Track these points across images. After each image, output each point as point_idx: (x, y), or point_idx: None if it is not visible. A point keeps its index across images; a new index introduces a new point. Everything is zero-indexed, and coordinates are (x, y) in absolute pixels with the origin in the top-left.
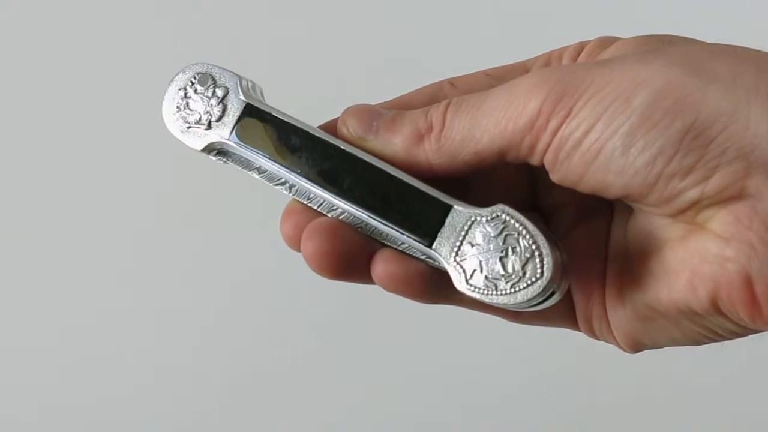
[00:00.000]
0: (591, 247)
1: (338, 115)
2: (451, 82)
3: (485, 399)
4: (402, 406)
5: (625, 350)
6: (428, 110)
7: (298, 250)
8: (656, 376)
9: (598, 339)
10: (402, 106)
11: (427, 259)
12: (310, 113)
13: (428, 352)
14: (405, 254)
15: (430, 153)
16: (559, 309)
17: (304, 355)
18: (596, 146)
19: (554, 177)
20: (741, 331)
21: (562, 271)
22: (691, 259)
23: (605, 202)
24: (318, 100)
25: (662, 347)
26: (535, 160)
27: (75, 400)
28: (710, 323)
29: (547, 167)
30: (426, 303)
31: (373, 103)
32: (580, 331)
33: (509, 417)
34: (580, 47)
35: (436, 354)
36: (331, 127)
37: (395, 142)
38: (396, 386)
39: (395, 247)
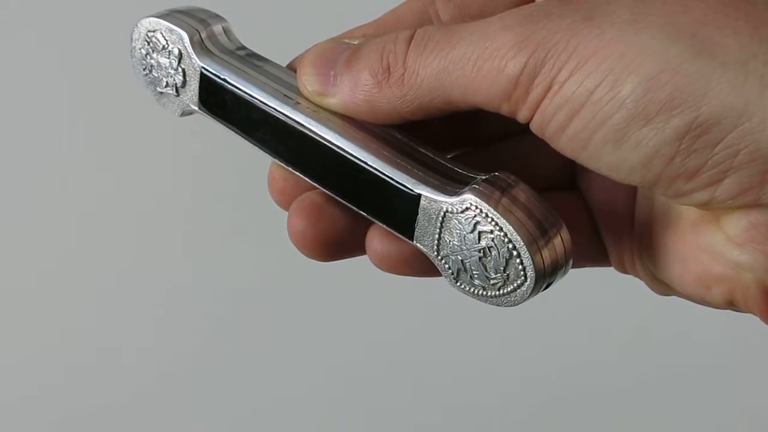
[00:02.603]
0: (621, 196)
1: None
2: None
3: (482, 398)
4: (399, 405)
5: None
6: (383, 46)
7: (286, 209)
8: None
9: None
10: (386, 29)
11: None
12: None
13: (427, 352)
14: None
15: (394, 101)
16: (589, 251)
17: (301, 353)
18: (584, 135)
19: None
20: None
21: (552, 265)
22: (702, 255)
23: None
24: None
25: None
26: (520, 122)
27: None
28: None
29: (536, 134)
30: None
31: (360, 32)
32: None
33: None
34: None
35: (434, 352)
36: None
37: (354, 94)
38: (393, 383)
39: None
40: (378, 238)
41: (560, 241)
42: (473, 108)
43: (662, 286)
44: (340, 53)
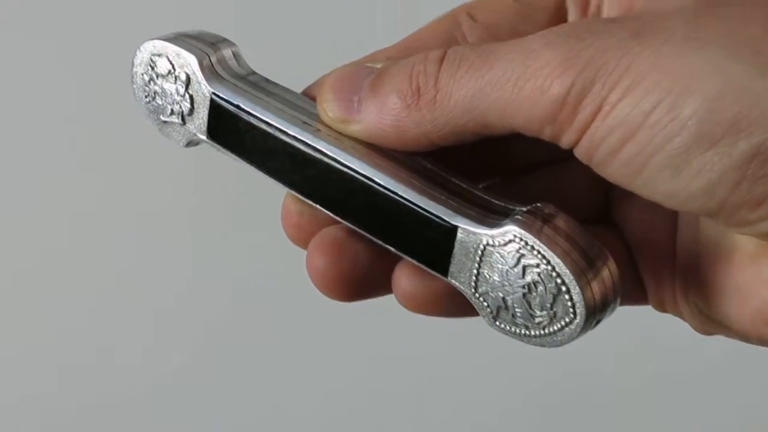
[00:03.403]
0: (661, 229)
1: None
2: (470, 13)
3: (485, 402)
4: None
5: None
6: (412, 67)
7: (305, 247)
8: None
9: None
10: (410, 52)
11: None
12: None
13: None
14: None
15: (424, 125)
16: (626, 289)
17: (303, 356)
18: (639, 160)
19: (593, 169)
20: None
21: (602, 300)
22: (763, 289)
23: None
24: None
25: None
26: (563, 147)
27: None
28: None
29: (581, 160)
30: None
31: (383, 55)
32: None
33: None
34: None
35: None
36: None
37: (381, 119)
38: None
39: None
40: (406, 275)
41: (608, 274)
42: (510, 132)
43: (710, 325)
44: (363, 77)
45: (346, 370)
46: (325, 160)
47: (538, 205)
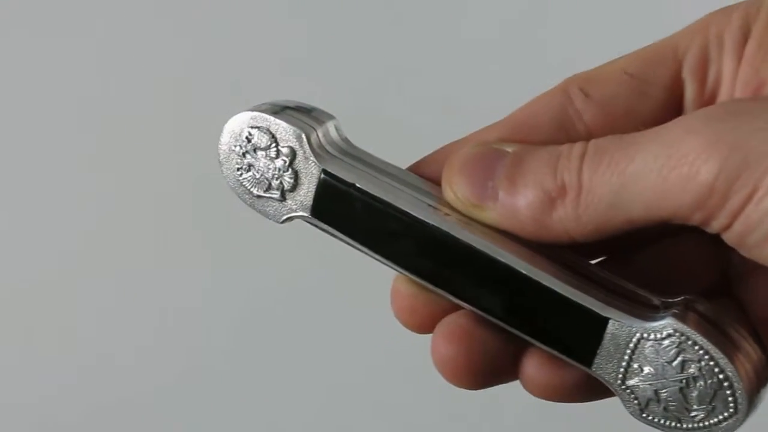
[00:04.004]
0: None
1: (437, 148)
2: (583, 88)
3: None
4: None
5: None
6: (556, 163)
7: (419, 332)
8: None
9: None
10: (523, 129)
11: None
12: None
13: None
14: (557, 357)
15: (566, 222)
16: None
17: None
18: None
19: (742, 253)
20: None
21: (760, 393)
22: None
23: None
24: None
25: None
26: (711, 231)
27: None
28: None
29: (730, 244)
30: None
31: (484, 136)
32: None
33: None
34: (746, 21)
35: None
36: (429, 170)
37: (520, 211)
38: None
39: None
40: (536, 364)
41: (763, 367)
42: (656, 223)
43: None
44: (496, 161)
45: (350, 372)
46: (459, 245)
47: (688, 297)
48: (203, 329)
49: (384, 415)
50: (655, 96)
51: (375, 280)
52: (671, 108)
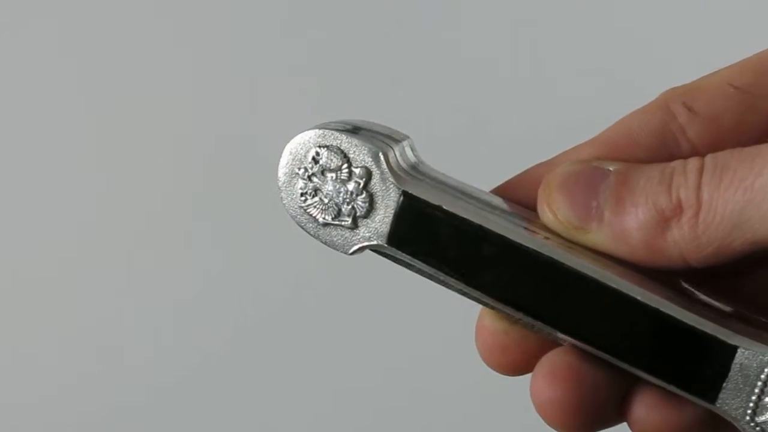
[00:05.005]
0: None
1: (525, 169)
2: (687, 103)
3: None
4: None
5: None
6: (670, 180)
7: (512, 374)
8: None
9: None
10: (620, 147)
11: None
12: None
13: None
14: (672, 394)
15: (682, 244)
16: None
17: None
18: None
19: None
20: None
21: None
22: None
23: None
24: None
25: None
26: None
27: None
28: None
29: None
30: None
31: (575, 155)
32: None
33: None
34: None
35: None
36: (515, 194)
37: (630, 233)
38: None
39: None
40: (649, 403)
41: None
42: None
43: None
44: (599, 180)
45: (352, 374)
46: (563, 272)
47: None
48: (204, 329)
49: (385, 415)
50: (765, 109)
51: (377, 281)
52: None
